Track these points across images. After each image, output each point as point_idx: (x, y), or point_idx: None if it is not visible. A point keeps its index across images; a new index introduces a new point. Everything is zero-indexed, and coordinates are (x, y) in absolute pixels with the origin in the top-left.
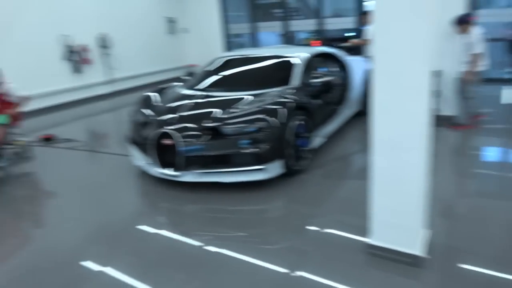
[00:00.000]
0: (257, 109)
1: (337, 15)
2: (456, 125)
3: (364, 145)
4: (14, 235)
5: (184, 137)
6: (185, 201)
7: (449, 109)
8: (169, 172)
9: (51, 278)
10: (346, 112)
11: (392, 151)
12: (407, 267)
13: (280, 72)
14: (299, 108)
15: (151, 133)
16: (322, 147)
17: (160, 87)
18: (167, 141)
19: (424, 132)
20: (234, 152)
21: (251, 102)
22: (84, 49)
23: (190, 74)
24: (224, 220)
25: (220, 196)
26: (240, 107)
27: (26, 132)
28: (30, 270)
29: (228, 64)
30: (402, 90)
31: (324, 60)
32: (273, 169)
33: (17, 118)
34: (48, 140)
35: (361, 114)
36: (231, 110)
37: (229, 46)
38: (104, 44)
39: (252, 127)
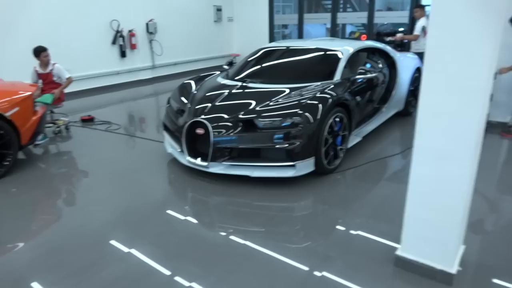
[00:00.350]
0: (293, 103)
1: (389, 8)
2: (507, 133)
3: (402, 148)
4: (45, 212)
5: (216, 127)
6: (211, 192)
7: (501, 114)
8: (198, 162)
9: (77, 256)
10: (388, 111)
11: (436, 160)
12: (438, 283)
13: (321, 66)
14: (338, 104)
15: (184, 121)
16: (356, 146)
17: (199, 75)
18: (199, 131)
19: (477, 143)
20: (266, 147)
21: (288, 96)
22: (131, 34)
23: (230, 63)
24: (248, 215)
25: (247, 190)
26: (276, 100)
27: (68, 112)
28: (56, 247)
29: (269, 55)
30: (458, 94)
31: (372, 55)
32: (304, 166)
33: (60, 98)
34: (88, 121)
35: (403, 114)
36: (267, 103)
37: (274, 37)
38: (150, 30)
39: (285, 122)
